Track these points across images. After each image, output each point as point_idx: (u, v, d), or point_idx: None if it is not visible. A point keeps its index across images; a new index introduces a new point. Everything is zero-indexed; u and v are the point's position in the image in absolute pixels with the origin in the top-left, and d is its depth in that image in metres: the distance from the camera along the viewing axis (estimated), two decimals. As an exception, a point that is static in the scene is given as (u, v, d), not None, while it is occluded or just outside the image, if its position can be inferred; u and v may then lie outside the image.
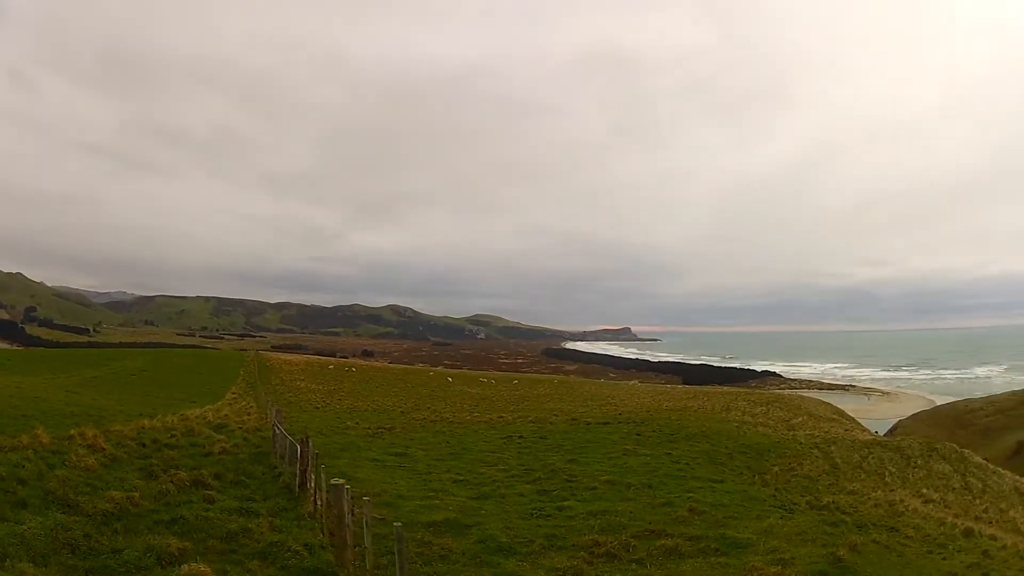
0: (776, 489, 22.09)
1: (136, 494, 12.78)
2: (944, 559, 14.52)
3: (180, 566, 9.03)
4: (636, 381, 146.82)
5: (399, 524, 8.38)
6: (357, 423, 35.12)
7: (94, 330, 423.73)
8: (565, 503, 16.28)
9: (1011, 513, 28.29)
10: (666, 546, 12.50)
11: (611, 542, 12.42)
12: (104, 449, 16.76)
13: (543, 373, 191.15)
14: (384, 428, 32.65)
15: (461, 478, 19.79)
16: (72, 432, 17.58)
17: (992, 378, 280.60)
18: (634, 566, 11.33)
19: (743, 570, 11.27)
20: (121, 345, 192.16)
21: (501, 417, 41.60)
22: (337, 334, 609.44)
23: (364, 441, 27.45)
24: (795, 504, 19.19)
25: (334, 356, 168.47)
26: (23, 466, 13.32)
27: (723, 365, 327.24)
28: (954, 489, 30.43)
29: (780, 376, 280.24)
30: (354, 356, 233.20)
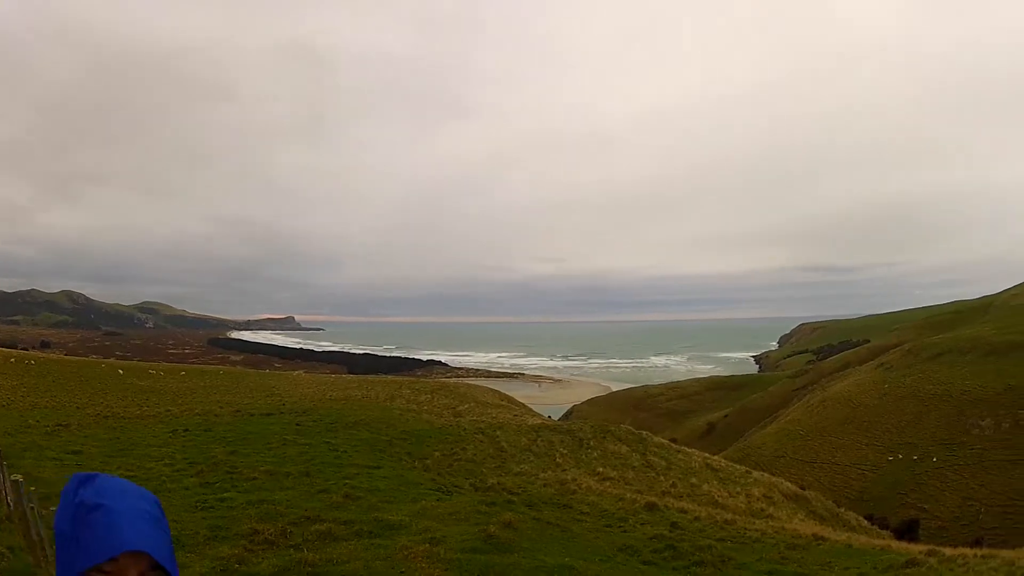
0: (438, 473, 22.90)
1: None
2: (624, 532, 15.44)
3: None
4: (302, 371, 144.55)
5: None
6: (38, 421, 34.43)
7: None
8: (227, 494, 16.56)
9: (705, 487, 30.12)
10: (320, 531, 13.15)
11: (269, 530, 12.93)
12: None
13: (209, 364, 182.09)
14: (62, 425, 32.56)
15: (131, 474, 19.41)
16: None
17: (671, 366, 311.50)
18: (291, 551, 11.83)
19: (395, 550, 11.94)
20: None
21: (169, 410, 41.32)
22: (17, 322, 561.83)
23: (44, 440, 27.39)
24: (457, 487, 19.97)
25: (15, 348, 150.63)
26: None
27: (387, 355, 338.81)
28: (634, 468, 31.79)
29: (446, 365, 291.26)
30: (34, 347, 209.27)
